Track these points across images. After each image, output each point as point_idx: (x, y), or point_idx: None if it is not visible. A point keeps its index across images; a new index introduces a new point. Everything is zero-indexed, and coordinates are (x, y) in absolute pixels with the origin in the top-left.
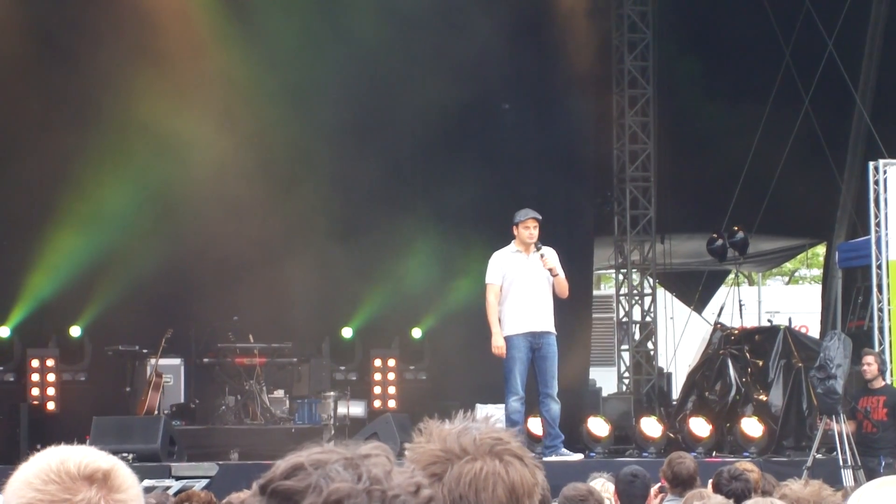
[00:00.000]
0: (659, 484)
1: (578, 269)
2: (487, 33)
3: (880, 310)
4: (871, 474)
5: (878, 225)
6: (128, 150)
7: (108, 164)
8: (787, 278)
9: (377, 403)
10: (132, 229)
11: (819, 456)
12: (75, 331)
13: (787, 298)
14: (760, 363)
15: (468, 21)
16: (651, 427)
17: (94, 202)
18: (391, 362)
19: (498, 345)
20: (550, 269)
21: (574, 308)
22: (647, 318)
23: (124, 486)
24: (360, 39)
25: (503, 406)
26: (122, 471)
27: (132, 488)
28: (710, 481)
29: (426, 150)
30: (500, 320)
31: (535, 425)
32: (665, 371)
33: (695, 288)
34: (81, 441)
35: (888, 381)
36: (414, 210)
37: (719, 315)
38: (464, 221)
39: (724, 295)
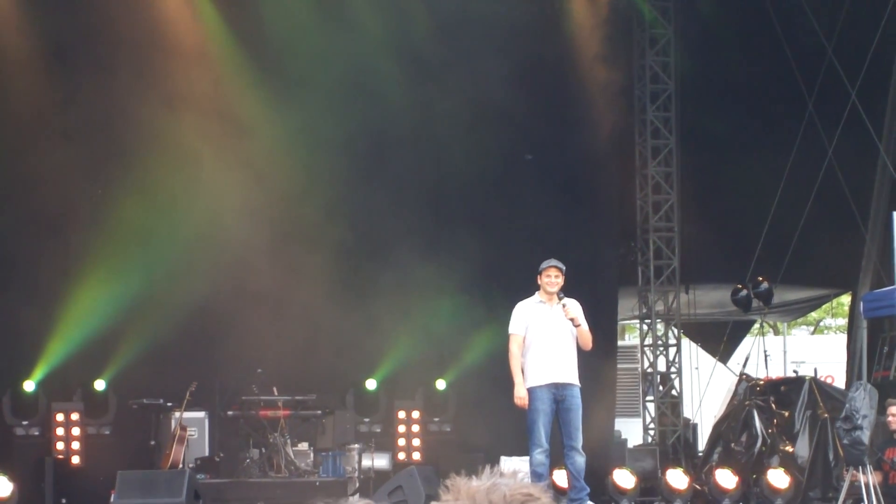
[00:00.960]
0: None
1: (603, 320)
2: (510, 82)
3: None
4: None
5: None
6: (149, 204)
7: (131, 218)
8: (812, 328)
9: (401, 455)
10: (155, 282)
11: None
12: (100, 384)
13: (813, 348)
14: (786, 414)
15: (489, 69)
16: (677, 479)
17: (119, 259)
18: (415, 414)
19: (520, 395)
20: (572, 319)
21: (598, 359)
22: (672, 369)
23: None
24: (384, 86)
25: (528, 458)
26: None
27: None
28: None
29: (449, 200)
30: (522, 371)
31: (561, 478)
32: (691, 422)
33: (720, 338)
34: (107, 495)
35: None
36: (437, 260)
37: (744, 365)
38: (488, 272)
39: (749, 345)
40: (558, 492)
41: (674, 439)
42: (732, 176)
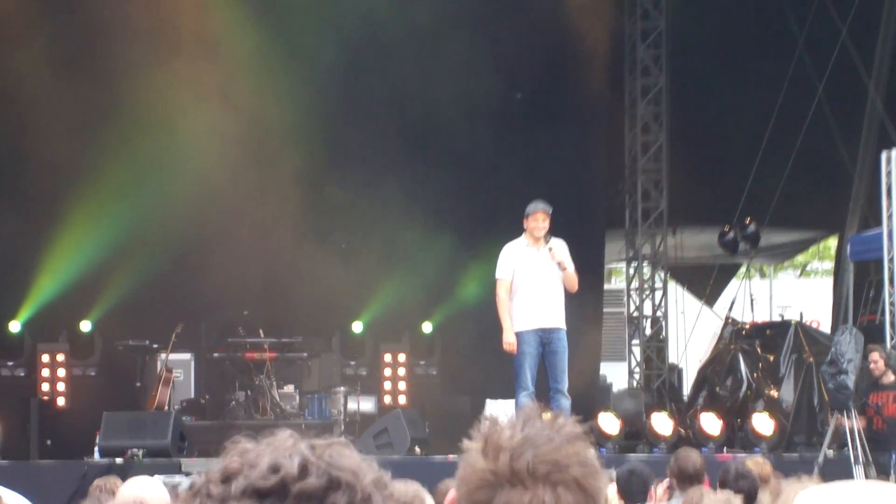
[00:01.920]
0: (667, 480)
1: (589, 263)
2: (497, 23)
3: (892, 303)
4: (882, 470)
5: (890, 217)
6: (136, 146)
7: (118, 161)
8: (798, 271)
9: (387, 399)
10: (142, 224)
11: (830, 452)
12: (85, 325)
13: (799, 292)
14: (772, 358)
15: (479, 13)
16: (662, 423)
17: (103, 198)
18: (401, 357)
19: (509, 341)
20: (559, 263)
21: (585, 302)
22: (658, 313)
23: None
24: (374, 17)
25: (514, 401)
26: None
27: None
28: (718, 477)
29: (437, 142)
30: (510, 314)
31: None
32: (676, 366)
33: (706, 282)
34: (92, 436)
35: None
36: (424, 203)
37: (730, 309)
38: (474, 214)
39: (735, 289)
40: None
41: (659, 383)
42: (721, 116)
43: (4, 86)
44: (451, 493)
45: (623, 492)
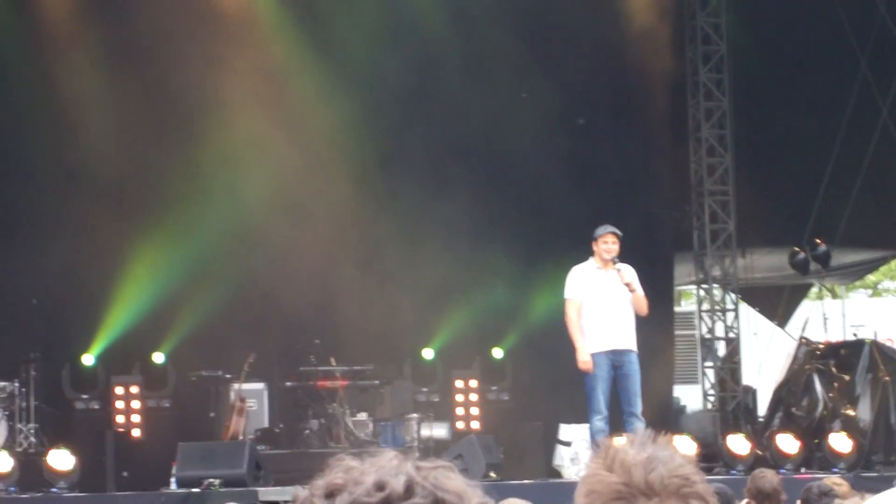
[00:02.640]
0: (745, 501)
1: (658, 286)
2: (559, 48)
3: None
4: None
5: None
6: (202, 182)
7: (184, 197)
8: (870, 291)
9: (460, 425)
10: (210, 256)
11: None
12: (158, 357)
13: (872, 311)
14: (847, 378)
15: (541, 38)
16: (738, 444)
17: (171, 232)
18: (473, 383)
19: (584, 360)
20: (627, 285)
21: (655, 325)
22: (731, 334)
23: None
24: (424, 44)
25: (587, 426)
26: None
27: None
28: (799, 498)
29: (501, 168)
30: (582, 335)
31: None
32: (750, 387)
33: (778, 302)
34: (168, 467)
35: None
36: (492, 229)
37: (804, 329)
38: (542, 239)
39: (807, 309)
40: None
41: (734, 405)
42: (787, 137)
43: (75, 116)
44: None
45: None
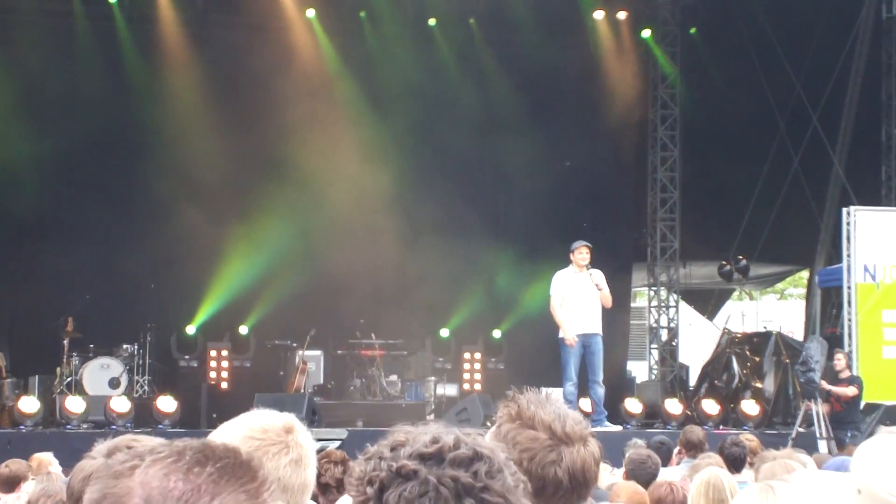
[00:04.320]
0: (678, 448)
1: (620, 287)
2: (559, 112)
3: (849, 320)
4: (840, 444)
5: (848, 255)
6: (286, 195)
7: (270, 206)
8: (778, 295)
9: (466, 386)
10: (286, 253)
11: (801, 430)
12: (243, 329)
13: (779, 311)
14: (757, 359)
15: (544, 95)
16: (673, 406)
17: (258, 233)
18: (477, 355)
19: (568, 337)
20: (597, 285)
21: (616, 316)
22: (672, 325)
23: (303, 432)
24: (456, 106)
25: (561, 389)
26: (298, 423)
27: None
28: (718, 446)
29: (510, 192)
30: (564, 322)
31: (586, 404)
32: (684, 364)
33: (708, 302)
34: (247, 411)
35: (853, 373)
36: (496, 239)
37: (726, 322)
38: (535, 247)
39: (730, 307)
40: (584, 415)
41: (671, 377)
42: (721, 179)
43: (187, 137)
44: None
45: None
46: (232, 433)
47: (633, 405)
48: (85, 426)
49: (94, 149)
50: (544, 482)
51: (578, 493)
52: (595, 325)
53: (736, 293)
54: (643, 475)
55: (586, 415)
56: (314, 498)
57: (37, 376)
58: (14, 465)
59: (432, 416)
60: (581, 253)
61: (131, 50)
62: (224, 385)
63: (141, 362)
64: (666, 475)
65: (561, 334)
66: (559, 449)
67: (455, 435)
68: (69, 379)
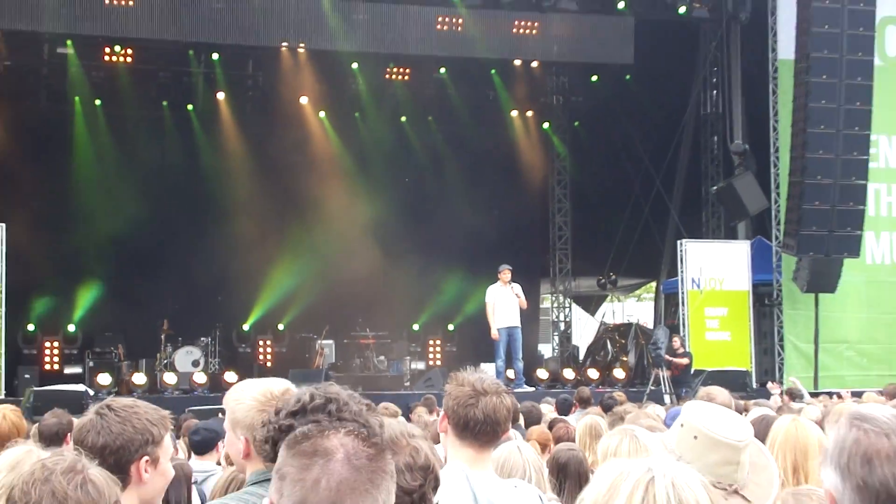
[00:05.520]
0: (575, 404)
1: (531, 295)
2: (491, 181)
3: (683, 314)
4: (678, 398)
5: (681, 272)
6: (313, 227)
7: (298, 239)
8: (637, 298)
9: (430, 363)
10: (309, 273)
11: (653, 388)
12: (281, 326)
13: (637, 309)
14: (623, 341)
15: (478, 177)
16: (569, 374)
17: (291, 258)
18: (438, 342)
19: (494, 334)
20: (517, 295)
21: (530, 314)
22: (567, 320)
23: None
24: (422, 178)
25: (493, 364)
26: (293, 386)
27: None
28: (598, 400)
29: (455, 233)
30: (493, 321)
31: (511, 374)
32: (576, 346)
33: (591, 304)
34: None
35: (686, 350)
36: (449, 261)
37: (603, 317)
38: (474, 268)
39: (605, 307)
40: (509, 381)
41: (567, 354)
42: (598, 221)
43: (241, 196)
44: (442, 413)
45: (559, 410)
46: (244, 392)
47: (542, 374)
48: (176, 393)
49: (179, 203)
50: (467, 419)
51: (493, 428)
52: (515, 321)
53: (609, 297)
54: (532, 419)
55: (510, 381)
56: None
57: (143, 359)
58: (52, 420)
59: (408, 384)
60: (504, 273)
61: (203, 138)
62: (269, 364)
63: (213, 349)
64: (568, 419)
65: (492, 332)
66: (478, 398)
67: (312, 390)
68: (165, 361)
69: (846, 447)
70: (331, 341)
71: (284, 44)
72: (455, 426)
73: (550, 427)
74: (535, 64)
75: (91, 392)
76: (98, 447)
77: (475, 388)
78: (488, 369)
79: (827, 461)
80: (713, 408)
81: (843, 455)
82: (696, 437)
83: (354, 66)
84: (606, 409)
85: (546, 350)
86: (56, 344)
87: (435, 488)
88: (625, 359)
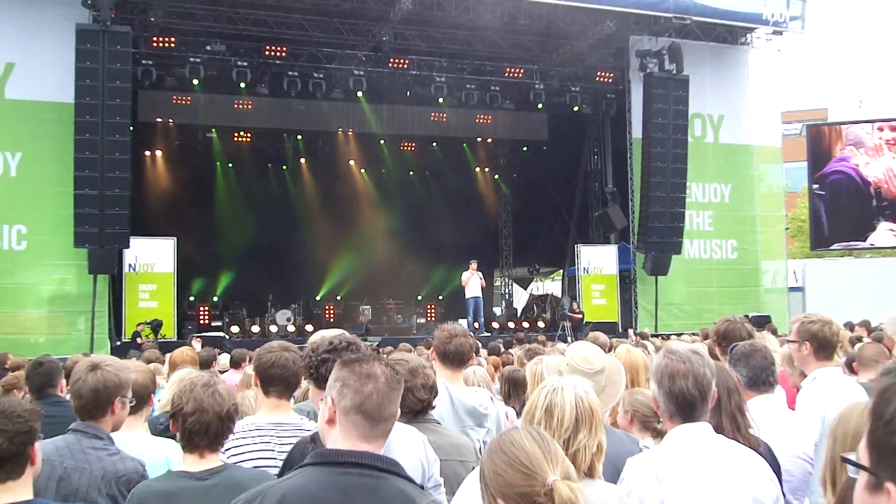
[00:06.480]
0: (514, 341)
1: (488, 277)
2: (456, 203)
3: (578, 289)
4: (575, 339)
5: (575, 265)
6: (354, 237)
7: (348, 244)
8: (552, 280)
9: (428, 319)
10: (354, 264)
11: (560, 334)
12: (339, 297)
13: (553, 286)
14: (544, 305)
15: (449, 199)
16: (511, 325)
17: (343, 256)
18: (433, 307)
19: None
20: (480, 278)
21: (488, 290)
22: (510, 293)
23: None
24: (413, 201)
25: (464, 321)
26: (348, 334)
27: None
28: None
29: (441, 239)
30: (467, 291)
31: (476, 325)
32: (515, 308)
33: (526, 283)
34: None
35: (580, 310)
36: (438, 257)
37: (531, 291)
38: (454, 260)
39: (533, 286)
40: (474, 329)
41: (510, 313)
42: (530, 234)
43: (311, 219)
44: (430, 351)
45: (505, 346)
46: (321, 335)
47: (495, 325)
48: (278, 339)
49: (280, 224)
50: (446, 351)
51: (461, 357)
52: (479, 293)
53: (535, 279)
54: (493, 351)
55: (475, 329)
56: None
57: (258, 317)
58: (237, 353)
59: (415, 332)
60: (473, 264)
61: (293, 185)
62: (332, 320)
63: (299, 311)
64: (511, 352)
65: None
66: (451, 339)
67: (339, 337)
68: (270, 318)
69: (660, 368)
70: (368, 306)
71: (340, 129)
72: (439, 356)
73: (499, 355)
74: (489, 140)
75: (227, 337)
76: (90, 389)
77: (450, 333)
78: (462, 323)
79: (651, 376)
80: (583, 347)
81: (658, 373)
82: (568, 365)
83: (381, 142)
84: (531, 351)
85: (497, 311)
86: (206, 308)
87: (434, 397)
88: (545, 315)
